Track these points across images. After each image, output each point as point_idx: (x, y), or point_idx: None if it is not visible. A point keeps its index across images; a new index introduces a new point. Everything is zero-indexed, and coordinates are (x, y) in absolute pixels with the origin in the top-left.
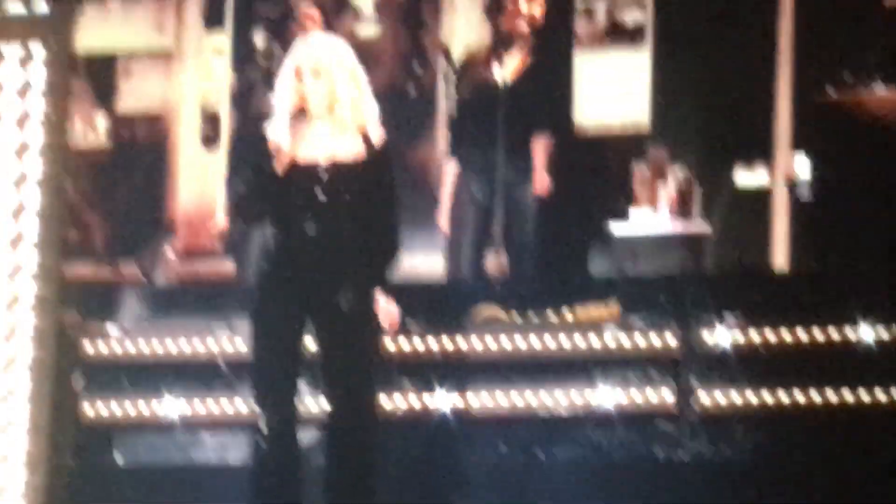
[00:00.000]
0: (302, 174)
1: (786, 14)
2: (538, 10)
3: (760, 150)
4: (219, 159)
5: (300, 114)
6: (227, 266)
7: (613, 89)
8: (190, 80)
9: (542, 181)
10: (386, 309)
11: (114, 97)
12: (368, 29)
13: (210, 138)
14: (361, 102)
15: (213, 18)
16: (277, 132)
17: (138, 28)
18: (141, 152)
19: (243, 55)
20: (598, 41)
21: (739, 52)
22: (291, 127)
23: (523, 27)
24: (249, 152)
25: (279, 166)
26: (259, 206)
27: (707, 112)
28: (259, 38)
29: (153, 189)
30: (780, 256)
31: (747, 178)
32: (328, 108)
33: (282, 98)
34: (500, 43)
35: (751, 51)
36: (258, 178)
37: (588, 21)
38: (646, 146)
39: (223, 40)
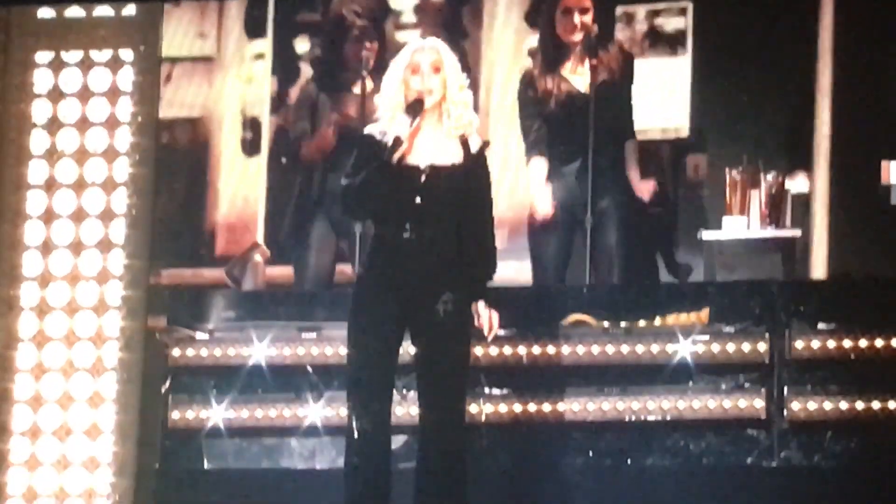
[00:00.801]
0: (401, 177)
1: (826, 16)
2: (589, 19)
3: (801, 157)
4: (259, 165)
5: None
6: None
7: (653, 95)
8: (231, 86)
9: (643, 188)
10: (486, 315)
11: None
12: (408, 34)
13: (250, 144)
14: (467, 109)
15: (254, 26)
16: (396, 126)
17: (180, 34)
18: (182, 157)
19: (286, 62)
20: (638, 47)
21: (780, 58)
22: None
23: (578, 36)
24: (356, 149)
25: (394, 157)
26: (370, 199)
27: (747, 118)
28: (301, 46)
29: (194, 194)
30: (819, 264)
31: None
32: (437, 106)
33: (393, 94)
34: (556, 52)
35: (791, 56)
36: (371, 172)
37: (628, 27)
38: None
39: (265, 45)
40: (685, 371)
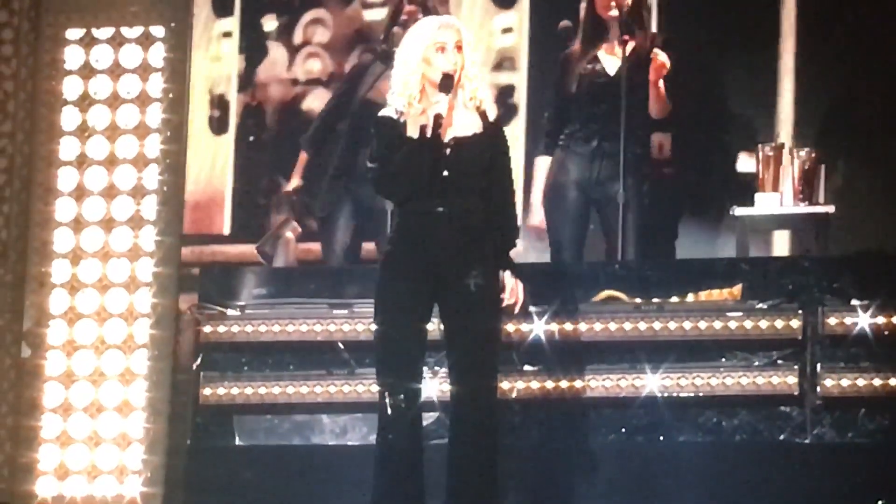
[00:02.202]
0: (428, 152)
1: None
2: None
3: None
4: (226, 143)
5: (425, 91)
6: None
7: None
8: (199, 64)
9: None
10: (510, 285)
11: None
12: (375, 13)
13: (218, 122)
14: (481, 83)
15: (222, 4)
16: (438, 104)
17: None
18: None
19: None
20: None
21: (743, 38)
22: (421, 101)
23: (614, 12)
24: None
25: (436, 135)
26: (406, 179)
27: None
28: (269, 24)
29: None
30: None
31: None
32: (458, 82)
33: (413, 71)
34: (595, 30)
35: (755, 35)
36: (404, 153)
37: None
38: None
39: (232, 24)
40: (718, 347)
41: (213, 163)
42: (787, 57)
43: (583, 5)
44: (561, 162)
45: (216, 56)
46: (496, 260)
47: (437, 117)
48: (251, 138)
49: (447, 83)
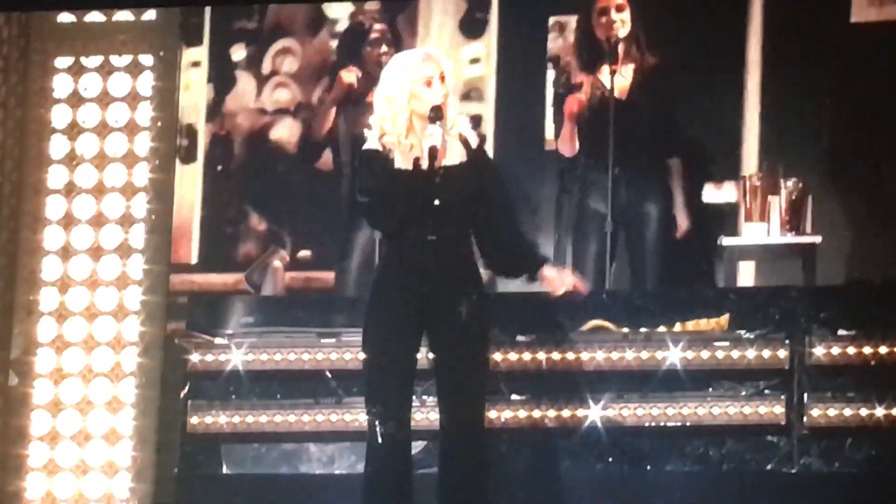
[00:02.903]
0: (419, 181)
1: (755, 27)
2: (627, 16)
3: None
4: (194, 173)
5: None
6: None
7: None
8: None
9: (682, 219)
10: (559, 278)
11: None
12: None
13: (186, 152)
14: (457, 111)
15: (191, 33)
16: (432, 136)
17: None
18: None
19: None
20: (572, 56)
21: (708, 69)
22: (409, 135)
23: (620, 32)
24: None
25: (432, 167)
26: (398, 210)
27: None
28: (237, 54)
29: None
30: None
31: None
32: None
33: (403, 106)
34: (592, 54)
35: (720, 65)
36: (394, 187)
37: (560, 36)
38: None
39: (201, 53)
40: (705, 377)
41: (181, 192)
42: (752, 88)
43: (554, 34)
44: (583, 193)
45: (185, 85)
46: (527, 266)
47: (433, 149)
48: (219, 167)
49: (437, 115)
